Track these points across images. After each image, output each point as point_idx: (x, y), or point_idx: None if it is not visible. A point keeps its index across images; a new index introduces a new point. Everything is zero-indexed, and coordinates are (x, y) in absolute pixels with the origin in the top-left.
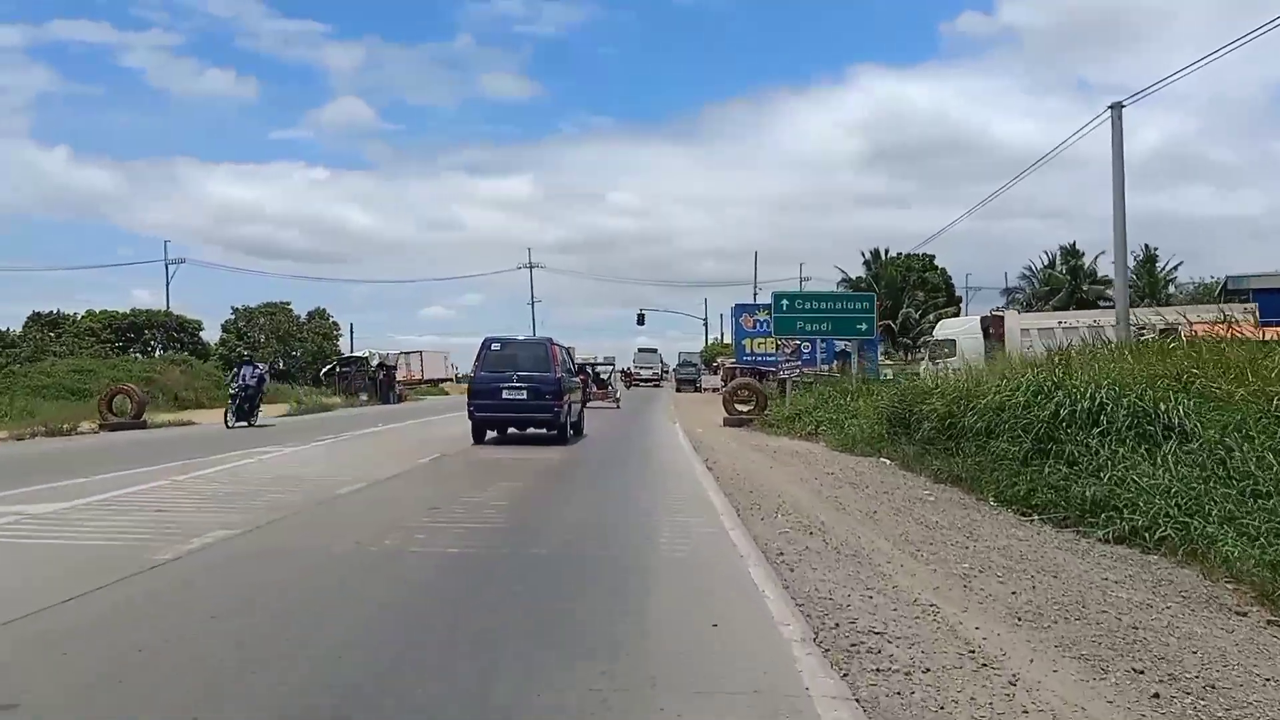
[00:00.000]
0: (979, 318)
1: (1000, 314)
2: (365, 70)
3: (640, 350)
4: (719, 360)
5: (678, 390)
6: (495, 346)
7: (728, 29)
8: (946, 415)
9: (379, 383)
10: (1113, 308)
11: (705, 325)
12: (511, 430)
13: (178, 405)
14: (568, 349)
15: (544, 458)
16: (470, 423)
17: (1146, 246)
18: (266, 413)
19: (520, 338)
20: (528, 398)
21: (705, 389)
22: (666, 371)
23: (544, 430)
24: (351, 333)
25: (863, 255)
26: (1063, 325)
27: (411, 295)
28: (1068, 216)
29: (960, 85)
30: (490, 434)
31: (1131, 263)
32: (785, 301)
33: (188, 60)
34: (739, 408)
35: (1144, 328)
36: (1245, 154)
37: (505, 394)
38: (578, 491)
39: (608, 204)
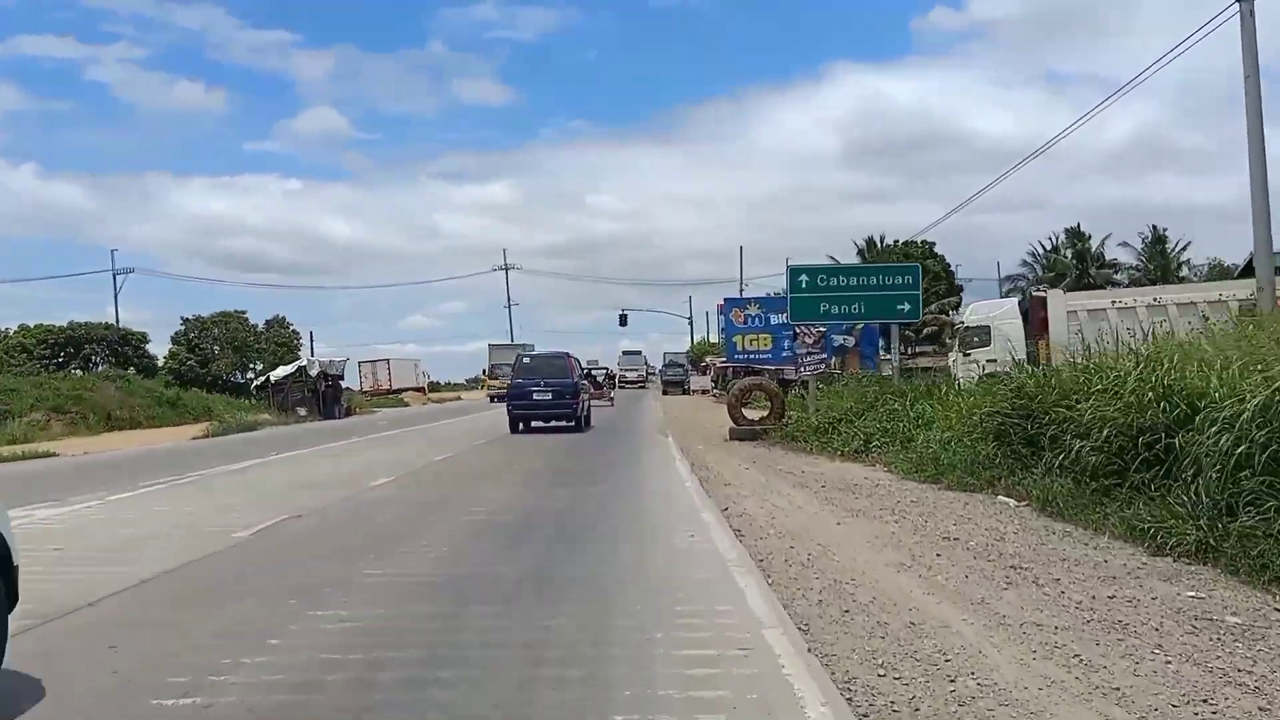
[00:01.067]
0: (1016, 300)
1: (1041, 294)
2: (338, 80)
3: (625, 353)
4: (707, 360)
5: (665, 393)
6: (526, 360)
7: (706, 29)
8: (1134, 430)
9: (321, 395)
10: (1119, 286)
11: (690, 325)
12: (515, 431)
13: (110, 426)
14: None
15: (466, 520)
16: (507, 417)
17: (1154, 227)
18: (175, 435)
19: (545, 352)
20: (552, 398)
21: (694, 390)
22: (651, 373)
23: (564, 423)
24: (312, 341)
25: (855, 244)
26: (1116, 305)
27: (395, 304)
28: (1047, 208)
29: (935, 80)
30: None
31: (1139, 244)
32: (804, 278)
33: (156, 73)
34: (750, 415)
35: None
36: (1215, 139)
37: (535, 395)
38: (492, 633)
39: (590, 207)
